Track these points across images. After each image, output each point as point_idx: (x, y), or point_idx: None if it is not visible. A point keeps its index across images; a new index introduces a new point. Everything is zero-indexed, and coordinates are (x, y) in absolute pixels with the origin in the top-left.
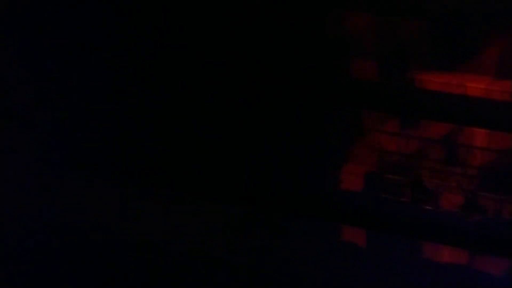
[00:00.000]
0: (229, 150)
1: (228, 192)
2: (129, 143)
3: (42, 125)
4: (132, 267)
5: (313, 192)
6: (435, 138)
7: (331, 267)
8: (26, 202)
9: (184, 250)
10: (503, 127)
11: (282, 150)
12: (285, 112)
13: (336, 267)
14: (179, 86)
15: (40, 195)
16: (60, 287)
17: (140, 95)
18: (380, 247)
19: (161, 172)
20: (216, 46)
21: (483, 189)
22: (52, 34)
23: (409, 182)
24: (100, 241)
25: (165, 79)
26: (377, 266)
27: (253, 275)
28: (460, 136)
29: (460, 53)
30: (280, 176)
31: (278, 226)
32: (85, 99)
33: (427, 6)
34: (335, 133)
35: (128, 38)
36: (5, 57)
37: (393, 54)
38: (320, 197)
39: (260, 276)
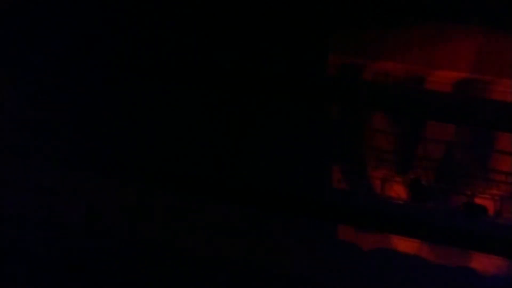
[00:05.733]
0: (227, 150)
1: (227, 192)
2: (130, 144)
3: (43, 125)
4: (133, 267)
5: (312, 192)
6: (435, 138)
7: (331, 267)
8: (27, 203)
9: (185, 250)
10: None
11: (280, 150)
12: (283, 112)
13: (335, 268)
14: (178, 86)
15: (41, 196)
16: (61, 287)
17: (141, 95)
18: (380, 247)
19: (162, 173)
20: (215, 46)
21: (483, 188)
22: (52, 33)
23: (409, 182)
24: (102, 241)
25: (164, 80)
26: (376, 266)
27: (252, 275)
28: (459, 135)
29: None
30: (278, 175)
31: (277, 226)
32: (87, 99)
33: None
34: (333, 133)
35: (128, 38)
36: (5, 57)
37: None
38: (319, 197)
39: (259, 276)
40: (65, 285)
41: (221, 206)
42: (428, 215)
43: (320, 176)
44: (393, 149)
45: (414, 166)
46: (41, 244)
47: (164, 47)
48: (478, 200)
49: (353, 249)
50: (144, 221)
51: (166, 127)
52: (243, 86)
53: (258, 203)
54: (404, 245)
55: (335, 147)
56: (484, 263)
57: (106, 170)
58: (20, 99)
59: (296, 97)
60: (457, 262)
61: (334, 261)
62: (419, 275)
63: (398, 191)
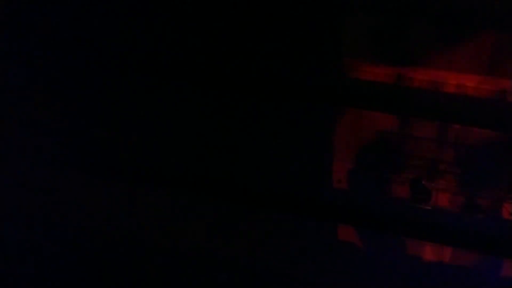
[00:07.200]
0: (228, 150)
1: (226, 192)
2: (130, 144)
3: (45, 125)
4: (134, 267)
5: (312, 191)
6: (434, 138)
7: (330, 267)
8: (28, 203)
9: (184, 250)
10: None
11: (280, 150)
12: (283, 112)
13: (335, 268)
14: (179, 86)
15: (43, 196)
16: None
17: (141, 96)
18: (380, 247)
19: (162, 173)
20: (215, 46)
21: (483, 189)
22: (52, 34)
23: (409, 182)
24: (102, 241)
25: (165, 80)
26: (376, 266)
27: (252, 275)
28: (459, 136)
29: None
30: (278, 175)
31: (276, 225)
32: (88, 100)
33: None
34: (332, 133)
35: (129, 38)
36: (7, 58)
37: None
38: (319, 197)
39: (259, 276)
40: (63, 284)
41: (221, 206)
42: (428, 215)
43: (320, 176)
44: (393, 150)
45: (414, 166)
46: (39, 243)
47: (177, 48)
48: (478, 200)
49: (353, 249)
50: (144, 221)
51: (168, 127)
52: (244, 86)
53: (259, 203)
54: (404, 244)
55: (334, 147)
56: (485, 263)
57: (106, 170)
58: (20, 99)
59: (297, 98)
60: (457, 262)
61: (334, 262)
62: (419, 275)
63: (398, 191)
